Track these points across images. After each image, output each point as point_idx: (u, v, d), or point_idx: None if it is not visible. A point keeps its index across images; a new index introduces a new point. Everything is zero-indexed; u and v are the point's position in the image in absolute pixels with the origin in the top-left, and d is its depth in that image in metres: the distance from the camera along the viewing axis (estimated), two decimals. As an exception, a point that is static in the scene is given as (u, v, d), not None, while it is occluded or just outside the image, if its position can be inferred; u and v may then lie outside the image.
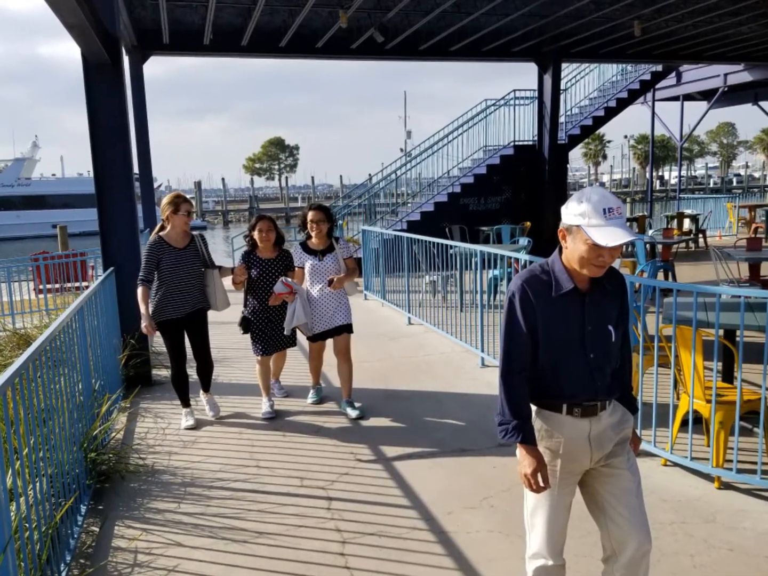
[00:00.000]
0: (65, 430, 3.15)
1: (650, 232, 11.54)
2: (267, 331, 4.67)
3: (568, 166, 14.55)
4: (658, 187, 52.44)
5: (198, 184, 50.50)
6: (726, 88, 16.24)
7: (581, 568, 2.72)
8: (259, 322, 4.65)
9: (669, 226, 13.20)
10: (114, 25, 5.12)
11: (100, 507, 3.44)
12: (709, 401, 3.46)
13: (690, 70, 16.76)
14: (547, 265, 2.04)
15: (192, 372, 4.73)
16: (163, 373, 5.70)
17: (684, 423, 3.71)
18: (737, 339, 3.48)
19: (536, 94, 12.35)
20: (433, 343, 6.64)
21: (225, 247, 24.58)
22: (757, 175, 66.65)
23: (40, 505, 2.62)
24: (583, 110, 14.24)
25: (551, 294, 1.98)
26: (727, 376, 4.16)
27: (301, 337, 5.03)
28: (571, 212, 1.93)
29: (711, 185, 57.38)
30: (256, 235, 4.63)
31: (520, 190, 12.94)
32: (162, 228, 4.49)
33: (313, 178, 63.42)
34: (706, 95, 17.92)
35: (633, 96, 14.51)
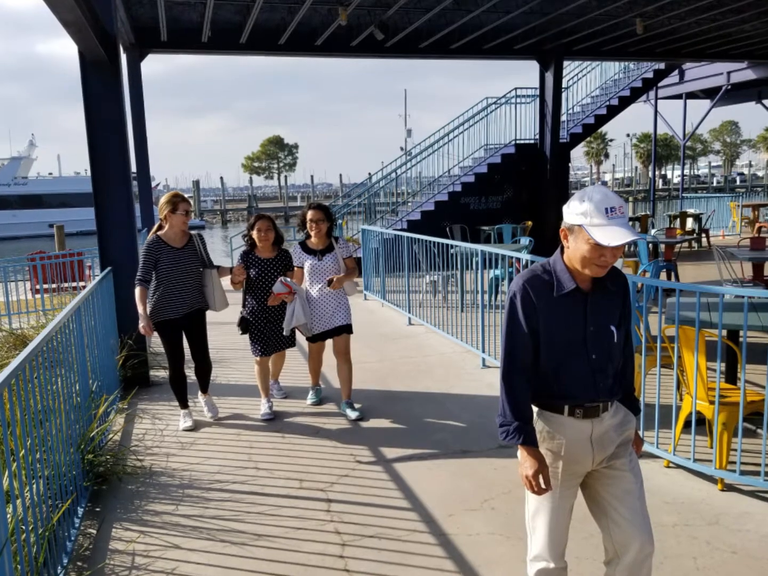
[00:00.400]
0: (62, 432, 3.13)
1: (653, 231, 11.51)
2: (266, 332, 4.65)
3: (569, 164, 14.51)
4: (660, 186, 52.37)
5: (196, 183, 50.48)
6: (729, 86, 16.17)
7: (583, 571, 2.71)
8: (257, 323, 4.63)
9: (672, 226, 13.17)
10: (111, 23, 5.11)
11: (98, 509, 3.42)
12: (712, 402, 3.44)
13: (693, 68, 16.71)
14: (549, 264, 2.03)
15: (190, 373, 4.72)
16: (161, 373, 5.68)
17: (687, 424, 3.68)
18: (740, 339, 3.46)
19: (538, 92, 12.30)
20: (433, 343, 6.62)
21: (223, 247, 24.57)
22: (760, 174, 66.47)
23: (36, 507, 2.61)
24: (585, 108, 14.19)
25: (553, 294, 1.97)
26: (731, 377, 4.14)
27: (300, 338, 5.01)
28: (573, 211, 1.92)
29: (714, 184, 57.31)
30: (254, 234, 4.61)
31: (521, 189, 12.91)
32: (160, 227, 4.47)
33: (312, 177, 63.62)
34: (709, 93, 17.86)
35: (635, 94, 14.45)
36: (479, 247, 6.08)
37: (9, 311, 8.34)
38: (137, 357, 5.35)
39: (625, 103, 14.23)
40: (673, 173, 60.08)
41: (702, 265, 10.61)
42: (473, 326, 6.01)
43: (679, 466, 3.63)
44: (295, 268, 4.70)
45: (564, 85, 12.66)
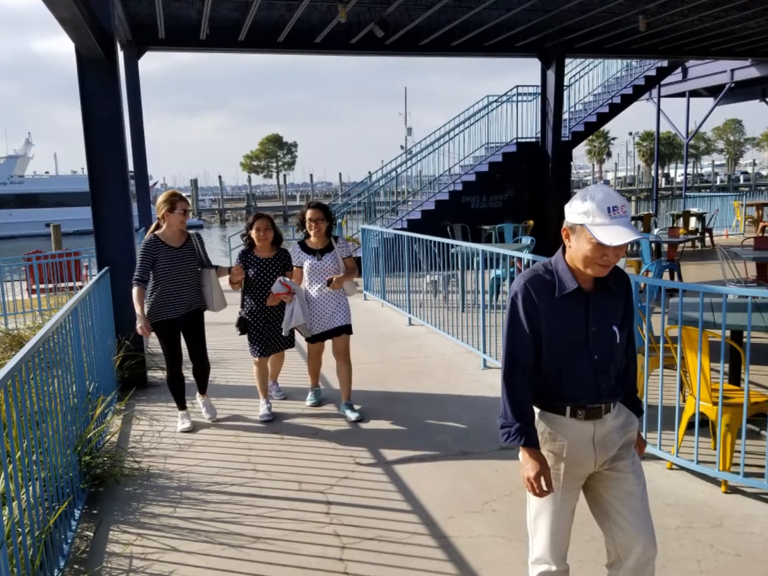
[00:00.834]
0: (59, 433, 3.12)
1: (656, 230, 11.45)
2: (265, 332, 4.62)
3: (571, 163, 14.46)
4: (663, 185, 52.37)
5: (194, 182, 50.25)
6: (733, 84, 16.13)
7: (585, 574, 2.70)
8: (256, 323, 4.60)
9: (675, 225, 13.12)
10: (108, 20, 5.09)
11: (95, 511, 3.41)
12: (715, 403, 3.42)
13: (696, 66, 16.66)
14: (551, 264, 2.02)
15: (188, 374, 4.70)
16: (158, 374, 5.66)
17: (690, 426, 3.67)
18: (744, 340, 3.44)
19: (539, 90, 12.26)
20: (434, 344, 6.59)
21: (222, 247, 24.51)
22: (764, 172, 66.40)
23: (33, 509, 2.60)
24: (587, 107, 14.15)
25: (555, 294, 1.97)
26: (734, 377, 4.12)
27: (299, 338, 4.98)
28: (575, 211, 1.91)
29: (717, 183, 57.22)
30: (253, 234, 4.59)
31: (522, 188, 12.87)
32: (158, 227, 4.44)
33: (311, 175, 63.52)
34: (712, 91, 17.81)
35: (638, 92, 14.41)
36: (480, 246, 6.05)
37: (5, 311, 8.31)
38: (135, 358, 5.32)
39: (627, 101, 14.19)
40: (676, 172, 60.03)
41: (705, 264, 10.58)
42: (474, 327, 5.99)
43: (682, 468, 3.61)
44: (294, 268, 4.68)
45: (566, 82, 12.62)
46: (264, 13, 9.10)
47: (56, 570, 2.78)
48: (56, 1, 3.72)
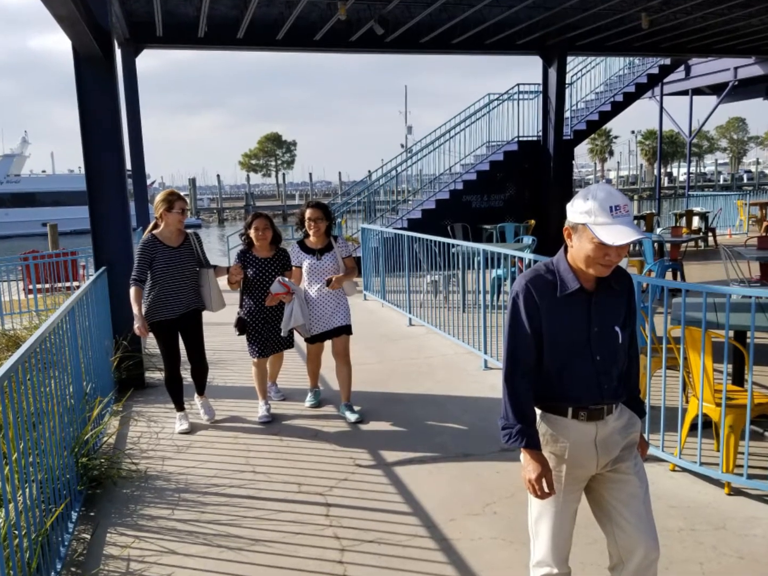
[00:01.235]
0: (56, 435, 3.11)
1: (658, 230, 11.41)
2: (263, 333, 4.60)
3: (573, 162, 14.43)
4: (666, 184, 52.24)
5: (192, 181, 50.12)
6: (736, 82, 16.07)
7: (587, 578, 2.66)
8: (255, 323, 4.58)
9: (678, 224, 13.08)
10: (105, 17, 5.06)
11: (92, 513, 3.39)
12: (718, 404, 3.40)
13: (699, 64, 16.60)
14: (552, 264, 2.02)
15: (186, 374, 4.67)
16: (156, 375, 5.62)
17: (693, 427, 3.66)
18: (748, 340, 3.42)
19: (541, 88, 12.22)
20: (434, 344, 6.57)
21: (220, 246, 24.51)
22: (768, 171, 66.19)
23: (29, 511, 2.59)
24: (589, 105, 14.11)
25: (556, 294, 1.96)
26: (738, 378, 4.10)
27: (298, 339, 4.96)
28: (577, 210, 1.90)
29: (721, 182, 57.06)
30: (252, 233, 4.56)
31: (524, 187, 12.84)
32: (155, 226, 4.42)
33: (311, 174, 63.57)
34: (715, 89, 17.74)
35: (640, 90, 14.36)
36: (481, 246, 6.03)
37: (2, 312, 8.28)
38: (132, 358, 5.30)
39: (629, 99, 14.15)
40: (679, 171, 59.96)
41: (708, 264, 10.54)
42: (475, 327, 5.96)
43: (685, 470, 3.59)
44: (294, 268, 4.66)
45: (568, 81, 12.57)
46: (263, 11, 9.08)
47: (53, 573, 2.77)
48: (53, -2, 3.70)
